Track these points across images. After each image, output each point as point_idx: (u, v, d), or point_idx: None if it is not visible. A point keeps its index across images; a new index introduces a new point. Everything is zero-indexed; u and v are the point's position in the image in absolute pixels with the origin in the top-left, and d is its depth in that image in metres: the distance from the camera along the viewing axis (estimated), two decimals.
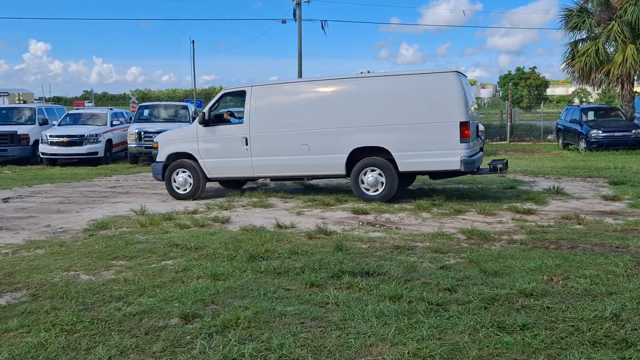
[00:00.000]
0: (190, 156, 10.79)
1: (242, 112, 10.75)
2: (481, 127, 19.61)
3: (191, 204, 9.94)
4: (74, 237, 7.55)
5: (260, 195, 10.50)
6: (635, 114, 22.36)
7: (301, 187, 11.79)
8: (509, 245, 6.65)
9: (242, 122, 10.53)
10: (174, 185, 10.82)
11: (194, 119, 19.75)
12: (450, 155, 9.38)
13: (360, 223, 8.10)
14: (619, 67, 21.07)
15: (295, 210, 9.23)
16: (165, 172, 10.83)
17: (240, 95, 11.00)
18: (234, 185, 11.91)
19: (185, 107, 20.88)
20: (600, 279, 5.18)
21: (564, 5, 23.09)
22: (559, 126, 24.05)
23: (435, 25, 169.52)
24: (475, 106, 11.15)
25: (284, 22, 31.74)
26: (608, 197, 10.06)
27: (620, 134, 20.39)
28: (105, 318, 4.51)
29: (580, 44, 22.85)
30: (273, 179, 11.35)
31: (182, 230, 7.79)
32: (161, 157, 11.03)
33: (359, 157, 9.87)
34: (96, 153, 18.49)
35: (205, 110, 10.79)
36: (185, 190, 10.76)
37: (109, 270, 5.92)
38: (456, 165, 9.41)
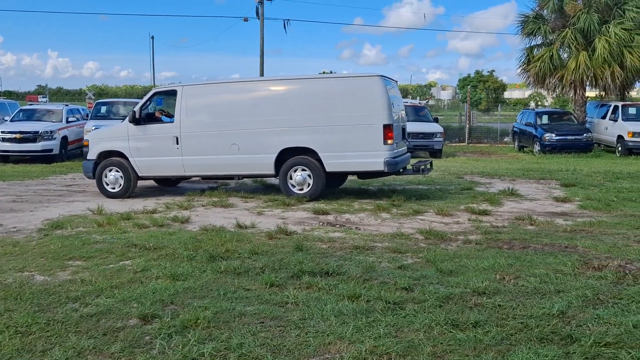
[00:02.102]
0: (121, 154, 10.74)
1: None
2: (422, 129, 20.09)
3: (150, 203, 9.83)
4: (28, 237, 7.39)
5: (220, 195, 10.47)
6: (586, 118, 23.19)
7: (262, 186, 11.80)
8: (464, 245, 6.85)
9: (173, 122, 10.58)
10: (105, 183, 10.77)
11: None
12: (374, 156, 9.76)
13: (321, 223, 8.18)
14: (572, 72, 21.80)
15: (256, 210, 9.25)
16: (96, 170, 10.78)
17: (171, 95, 11.05)
18: (168, 184, 11.98)
19: None
20: (549, 277, 5.40)
21: (521, 11, 23.65)
22: (514, 129, 24.72)
23: (398, 27, 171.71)
24: (403, 109, 11.54)
25: (246, 20, 31.68)
26: (559, 198, 10.43)
27: (573, 137, 21.12)
28: (62, 319, 4.45)
29: (536, 49, 23.55)
30: (204, 178, 11.46)
31: (140, 230, 7.71)
32: (92, 155, 10.96)
33: (287, 157, 10.11)
34: (51, 150, 18.04)
35: (136, 108, 10.77)
36: (115, 188, 10.72)
37: (65, 271, 5.83)
38: (380, 166, 9.79)
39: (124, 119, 18.53)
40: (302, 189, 10.07)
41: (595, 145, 21.73)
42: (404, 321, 4.37)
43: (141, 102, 11.07)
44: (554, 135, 21.03)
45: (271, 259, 6.06)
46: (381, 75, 10.07)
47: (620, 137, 20.57)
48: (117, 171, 10.69)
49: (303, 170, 10.04)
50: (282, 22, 31.60)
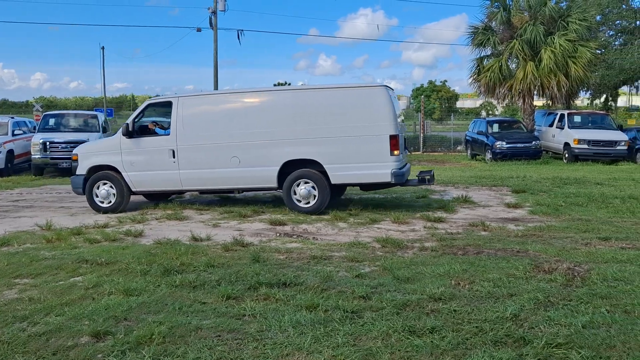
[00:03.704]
0: (113, 169, 10.37)
1: (169, 122, 10.48)
2: None
3: (102, 218, 9.57)
4: None
5: (175, 208, 10.29)
6: (535, 126, 23.96)
7: (217, 198, 11.67)
8: (420, 253, 6.93)
9: (168, 134, 10.22)
10: (96, 198, 10.39)
11: (104, 128, 19.08)
12: (380, 167, 9.54)
13: (278, 234, 8.14)
14: (521, 82, 22.51)
15: (212, 222, 9.13)
16: (87, 185, 10.37)
17: (166, 106, 10.70)
18: (158, 198, 11.48)
19: (95, 117, 20.07)
20: (502, 282, 5.52)
21: (471, 23, 24.32)
22: (467, 137, 25.31)
23: (352, 37, 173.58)
24: (403, 118, 11.47)
25: (199, 30, 31.36)
26: (511, 204, 10.72)
27: (522, 145, 21.77)
28: (8, 340, 4.27)
29: (486, 60, 24.23)
30: (202, 192, 11.04)
31: (92, 245, 7.49)
32: (82, 170, 10.52)
33: (290, 170, 9.79)
34: None
35: (129, 121, 10.30)
36: (109, 203, 10.36)
37: (12, 289, 5.60)
38: (387, 178, 9.59)
39: (74, 131, 18.31)
40: (307, 203, 9.77)
41: (543, 152, 22.47)
42: (362, 329, 4.38)
43: (134, 114, 10.54)
44: (504, 143, 21.64)
45: (227, 272, 5.98)
46: (386, 85, 9.94)
47: (566, 144, 21.32)
48: (109, 186, 10.32)
49: (307, 183, 9.74)
50: (236, 32, 31.49)
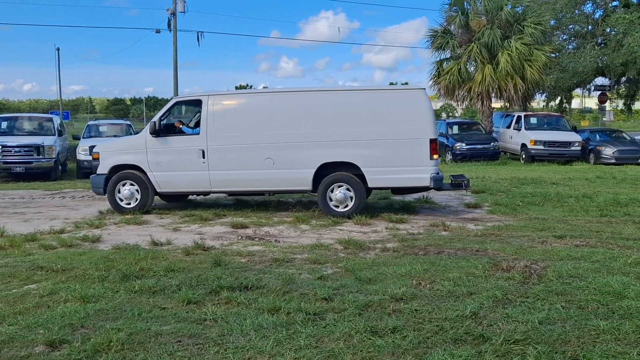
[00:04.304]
0: (137, 168, 10.03)
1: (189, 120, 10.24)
2: None
3: (57, 223, 9.30)
4: None
5: (134, 212, 10.08)
6: (493, 128, 24.48)
7: (179, 202, 11.49)
8: (382, 253, 6.98)
9: (198, 133, 9.90)
10: (119, 198, 10.09)
11: (59, 132, 18.59)
12: (420, 172, 9.39)
13: (239, 237, 8.07)
14: (479, 85, 22.97)
15: (172, 226, 8.99)
16: (108, 185, 10.05)
17: (194, 104, 10.44)
18: (174, 199, 11.17)
19: (50, 119, 19.52)
20: (462, 280, 5.60)
21: (431, 27, 24.68)
22: None
23: (314, 40, 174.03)
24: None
25: (158, 32, 30.88)
26: (470, 204, 10.91)
27: (481, 146, 22.24)
28: None
29: (445, 63, 24.63)
30: (231, 194, 10.71)
31: (47, 252, 7.26)
32: (103, 169, 10.18)
33: (324, 173, 9.60)
34: None
35: (156, 119, 9.94)
36: (131, 204, 10.07)
37: None
38: (426, 182, 9.42)
39: (29, 135, 17.78)
40: (343, 207, 9.56)
41: (501, 153, 22.98)
42: (324, 331, 4.38)
43: (161, 111, 10.20)
44: (464, 144, 22.07)
45: (188, 276, 5.90)
46: (424, 88, 9.82)
47: (523, 145, 21.86)
48: (132, 185, 10.02)
49: (343, 186, 9.53)
50: (196, 34, 31.15)
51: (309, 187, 9.70)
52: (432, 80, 24.93)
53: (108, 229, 8.88)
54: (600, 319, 4.48)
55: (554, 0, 26.66)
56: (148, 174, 9.97)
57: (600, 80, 30.02)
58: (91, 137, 18.56)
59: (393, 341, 4.15)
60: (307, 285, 5.56)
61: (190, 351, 4.08)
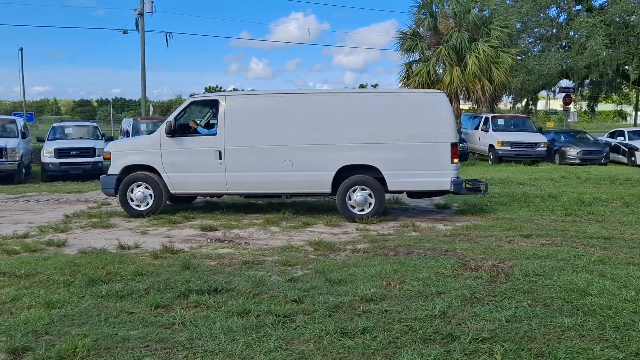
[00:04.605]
0: (150, 169, 9.82)
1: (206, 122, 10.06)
2: None
3: (21, 227, 9.06)
4: None
5: (101, 215, 9.91)
6: (462, 129, 24.79)
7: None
8: (352, 255, 7.00)
9: (215, 134, 9.75)
10: (130, 200, 9.86)
11: (23, 134, 18.15)
12: (441, 175, 9.40)
13: (209, 240, 8.00)
14: (447, 86, 23.19)
15: (140, 229, 8.85)
16: (120, 186, 9.80)
17: (210, 105, 10.28)
18: (179, 200, 10.98)
19: (13, 121, 19.02)
20: (432, 280, 5.65)
21: (400, 29, 24.88)
22: None
23: (284, 41, 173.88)
24: None
25: (125, 32, 30.40)
26: (440, 205, 11.03)
27: None
28: None
29: (414, 64, 24.83)
30: (247, 196, 10.48)
31: (10, 257, 7.06)
32: (114, 169, 9.94)
33: (344, 175, 9.53)
34: None
35: (171, 119, 9.76)
36: (144, 206, 9.84)
37: None
38: (447, 186, 9.45)
39: None
40: (362, 210, 9.49)
41: (470, 154, 23.28)
42: (295, 333, 4.37)
43: (176, 111, 9.99)
44: None
45: (156, 280, 5.81)
46: (445, 92, 9.77)
47: (491, 146, 22.21)
48: (145, 187, 9.80)
49: (363, 189, 9.46)
50: (165, 35, 30.69)
51: (328, 189, 9.61)
52: (401, 82, 25.10)
53: (74, 232, 8.69)
54: (565, 316, 4.58)
55: (520, 4, 27.15)
56: (162, 174, 9.78)
57: (564, 83, 30.70)
58: (56, 139, 18.17)
59: (363, 342, 4.16)
60: (277, 288, 5.54)
61: (158, 356, 4.02)
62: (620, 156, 21.98)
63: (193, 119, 10.77)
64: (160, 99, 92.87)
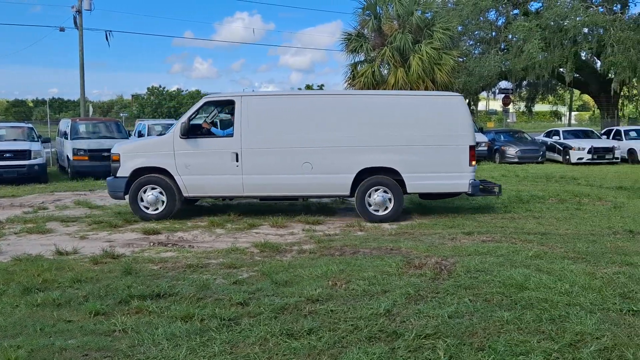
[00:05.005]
0: (162, 171, 9.46)
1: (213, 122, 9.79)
2: None
3: None
4: None
5: (37, 221, 9.51)
6: None
7: (87, 209, 10.96)
8: (299, 255, 6.99)
9: (231, 135, 9.48)
10: (142, 204, 9.43)
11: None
12: (460, 177, 9.47)
13: (152, 244, 7.81)
14: (392, 87, 23.51)
15: (79, 234, 8.54)
16: (130, 189, 9.36)
17: (227, 105, 10.00)
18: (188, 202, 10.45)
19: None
20: (377, 279, 5.71)
21: (345, 30, 25.06)
22: None
23: (229, 41, 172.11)
24: None
25: (62, 30, 29.30)
26: None
27: None
28: None
29: (360, 65, 25.06)
30: (263, 198, 10.27)
31: None
32: (124, 171, 9.49)
33: (363, 177, 9.47)
34: None
35: (185, 120, 9.44)
36: (157, 210, 9.45)
37: None
38: (465, 188, 9.52)
39: None
40: (381, 211, 9.47)
41: None
42: (240, 336, 4.32)
43: (189, 112, 9.66)
44: None
45: (96, 286, 5.63)
46: (462, 95, 9.68)
47: None
48: (157, 190, 9.44)
49: (383, 191, 9.44)
50: (105, 33, 29.74)
51: (347, 192, 9.55)
52: (347, 83, 25.30)
53: (7, 239, 8.29)
54: (504, 310, 4.71)
55: (461, 7, 27.85)
56: (175, 177, 9.48)
57: (503, 84, 31.77)
58: None
59: (309, 342, 4.15)
60: (222, 291, 5.46)
61: None
62: (556, 155, 22.92)
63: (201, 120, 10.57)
64: (101, 99, 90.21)
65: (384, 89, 23.80)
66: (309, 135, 9.43)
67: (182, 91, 73.71)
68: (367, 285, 5.54)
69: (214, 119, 10.45)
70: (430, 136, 9.48)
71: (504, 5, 29.02)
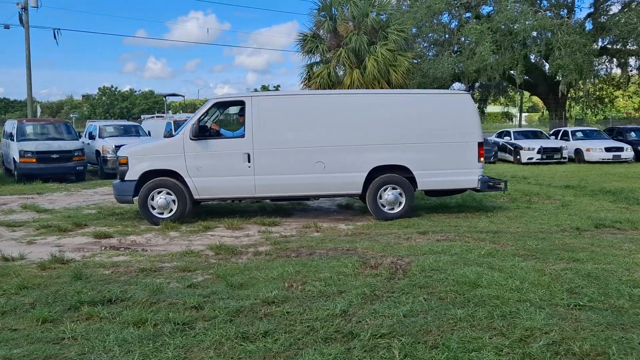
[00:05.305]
0: (172, 174, 9.25)
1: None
2: None
3: None
4: None
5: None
6: None
7: (34, 213, 10.59)
8: (255, 257, 6.93)
9: (242, 136, 9.34)
10: (152, 208, 9.14)
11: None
12: (468, 174, 9.65)
13: (103, 248, 7.61)
14: (348, 88, 23.69)
15: (26, 238, 8.23)
16: (140, 193, 9.06)
17: (235, 106, 9.84)
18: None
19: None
20: (333, 280, 5.71)
21: (300, 31, 25.11)
22: None
23: (184, 41, 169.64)
24: None
25: (7, 27, 28.25)
26: (342, 205, 11.23)
27: None
28: None
29: (316, 66, 25.16)
30: (274, 199, 10.15)
31: None
32: (133, 174, 9.20)
33: (374, 176, 9.51)
34: None
35: (194, 121, 9.25)
36: (167, 213, 9.18)
37: None
38: (474, 184, 9.70)
39: None
40: (393, 209, 9.58)
41: None
42: (194, 341, 4.24)
43: (198, 113, 9.47)
44: None
45: (44, 292, 5.43)
46: (470, 93, 9.72)
47: None
48: (168, 194, 9.24)
49: (394, 189, 9.54)
50: (53, 31, 28.85)
51: (359, 190, 9.61)
52: (303, 84, 25.35)
53: None
54: (458, 308, 4.79)
55: (415, 10, 28.28)
56: (186, 179, 9.29)
57: (457, 86, 32.36)
58: None
59: (264, 345, 4.12)
60: (176, 295, 5.36)
61: None
62: (507, 155, 23.54)
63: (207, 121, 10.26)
64: (49, 99, 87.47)
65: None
66: (321, 135, 9.49)
67: (135, 91, 72.25)
68: (323, 286, 5.53)
69: (216, 119, 10.27)
70: (440, 134, 9.67)
71: (456, 9, 29.62)
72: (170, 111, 38.03)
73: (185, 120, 21.55)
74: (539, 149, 22.20)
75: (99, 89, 71.29)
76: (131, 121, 27.53)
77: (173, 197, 9.33)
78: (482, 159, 9.81)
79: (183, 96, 54.26)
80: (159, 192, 9.34)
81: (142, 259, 6.93)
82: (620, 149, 22.65)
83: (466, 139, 9.71)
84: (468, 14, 30.09)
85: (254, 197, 9.75)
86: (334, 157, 9.47)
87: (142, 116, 32.29)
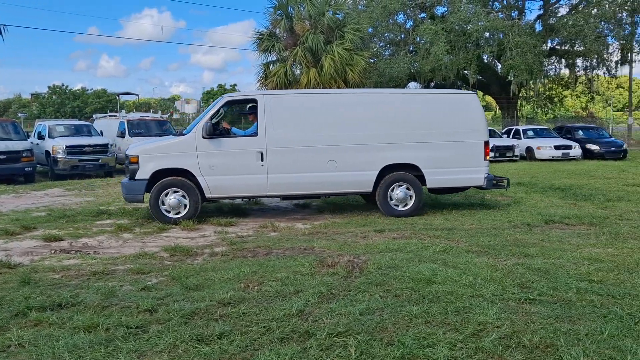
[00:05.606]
0: (184, 173, 9.15)
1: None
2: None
3: None
4: None
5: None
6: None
7: None
8: (210, 258, 6.85)
9: (255, 134, 9.31)
10: (163, 208, 8.95)
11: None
12: (475, 172, 9.85)
13: (53, 251, 7.36)
14: (305, 87, 23.70)
15: None
16: (152, 192, 8.86)
17: (248, 104, 9.71)
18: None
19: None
20: (290, 280, 5.70)
21: (257, 29, 24.96)
22: None
23: (137, 38, 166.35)
24: None
25: None
26: (299, 204, 11.20)
27: None
28: None
29: (272, 65, 25.07)
30: (285, 197, 10.01)
31: None
32: (144, 173, 9.06)
33: (385, 174, 9.64)
34: None
35: (207, 119, 9.18)
36: (179, 213, 9.04)
37: None
38: (480, 182, 9.91)
39: None
40: (403, 207, 9.74)
41: None
42: (147, 344, 4.16)
43: (210, 111, 9.35)
44: None
45: None
46: (475, 92, 9.64)
47: None
48: (179, 193, 9.16)
49: (405, 187, 9.69)
50: None
51: (370, 188, 9.71)
52: (259, 82, 25.23)
53: None
54: (413, 305, 4.85)
55: (371, 9, 28.55)
56: (198, 178, 9.20)
57: (413, 85, 32.83)
58: None
59: (220, 347, 4.07)
60: (129, 298, 5.24)
61: None
62: None
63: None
64: None
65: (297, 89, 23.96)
66: (333, 133, 9.55)
67: (87, 90, 70.26)
68: (280, 286, 5.51)
69: (219, 118, 10.05)
70: (448, 132, 9.85)
71: (411, 9, 30.04)
72: (123, 110, 37.21)
73: (139, 119, 21.36)
74: (492, 147, 22.69)
75: (49, 87, 69.06)
76: (83, 120, 26.81)
77: (185, 196, 9.24)
78: (487, 157, 10.04)
79: (137, 95, 53.26)
80: (170, 192, 9.23)
81: (94, 262, 6.74)
82: (569, 147, 23.44)
83: (473, 138, 9.93)
84: (423, 15, 30.57)
85: (267, 195, 9.80)
86: (347, 155, 9.57)
87: (95, 115, 31.51)
